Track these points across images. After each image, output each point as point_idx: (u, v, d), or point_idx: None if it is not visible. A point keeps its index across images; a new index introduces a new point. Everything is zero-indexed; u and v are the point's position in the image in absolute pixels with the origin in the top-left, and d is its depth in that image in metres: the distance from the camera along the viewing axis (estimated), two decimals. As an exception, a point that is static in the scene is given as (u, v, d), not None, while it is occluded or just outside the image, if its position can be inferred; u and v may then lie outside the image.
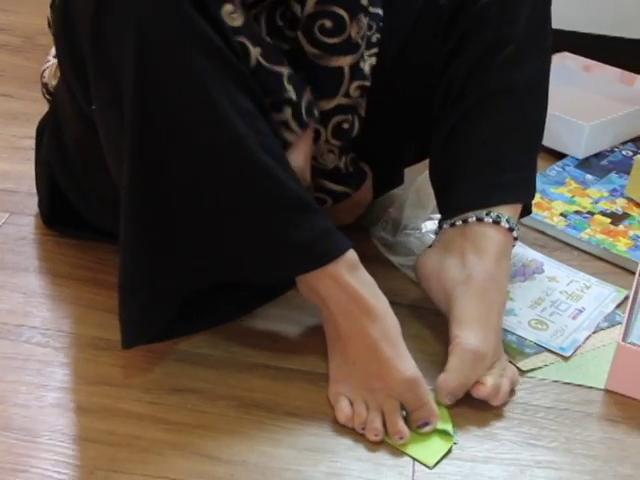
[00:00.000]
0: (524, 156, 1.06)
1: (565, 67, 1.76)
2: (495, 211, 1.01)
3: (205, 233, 0.89)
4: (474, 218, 1.01)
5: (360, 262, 0.93)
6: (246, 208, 0.88)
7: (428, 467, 0.87)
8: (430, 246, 1.07)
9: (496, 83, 1.04)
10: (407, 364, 0.90)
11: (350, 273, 0.91)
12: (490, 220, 1.00)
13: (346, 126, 1.04)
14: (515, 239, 1.03)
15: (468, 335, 0.94)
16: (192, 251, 0.90)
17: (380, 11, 1.06)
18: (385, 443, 0.89)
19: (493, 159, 1.04)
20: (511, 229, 1.01)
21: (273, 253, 0.90)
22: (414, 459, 0.87)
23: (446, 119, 1.08)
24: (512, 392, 0.96)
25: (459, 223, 1.02)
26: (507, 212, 1.02)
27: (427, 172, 1.26)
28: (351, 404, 0.91)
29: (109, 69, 0.84)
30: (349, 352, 0.91)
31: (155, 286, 0.90)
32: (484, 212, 1.01)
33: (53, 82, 1.08)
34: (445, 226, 1.04)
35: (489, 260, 0.99)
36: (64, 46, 0.93)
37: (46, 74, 1.10)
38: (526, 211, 1.12)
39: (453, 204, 1.05)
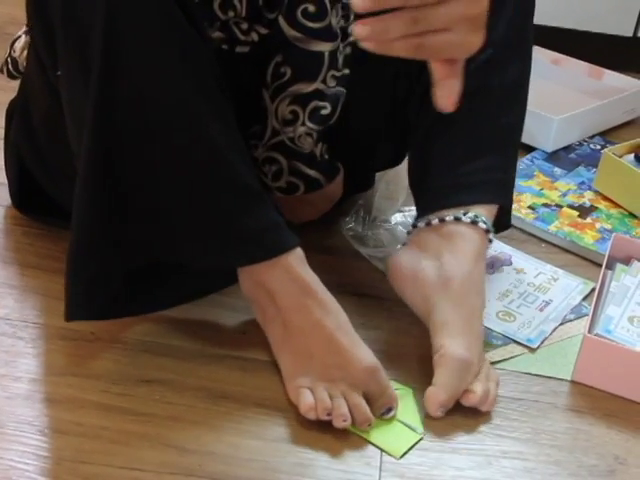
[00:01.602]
0: (497, 158, 1.04)
1: (534, 61, 1.75)
2: (473, 211, 1.00)
3: (155, 211, 0.89)
4: (452, 217, 0.99)
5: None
6: (197, 189, 0.88)
7: (395, 458, 0.87)
8: (403, 244, 1.06)
9: (472, 85, 1.00)
10: (366, 352, 0.90)
11: (299, 267, 0.91)
12: (468, 220, 0.99)
13: (325, 112, 1.04)
14: (490, 241, 1.01)
15: (453, 344, 0.91)
16: (143, 227, 0.90)
17: None
18: (353, 434, 0.89)
19: (465, 159, 1.03)
20: (488, 230, 1.00)
21: (226, 239, 0.90)
22: (382, 450, 0.88)
23: (423, 120, 1.07)
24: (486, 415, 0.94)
25: (435, 222, 1.00)
26: (483, 213, 1.00)
27: (398, 165, 1.27)
28: (312, 394, 0.89)
29: (78, 35, 0.84)
30: (304, 346, 0.91)
31: (103, 260, 0.90)
32: (461, 211, 0.99)
33: (24, 63, 1.08)
34: (420, 225, 1.02)
35: (467, 262, 0.97)
36: (35, 10, 0.92)
37: (17, 48, 1.08)
38: (504, 224, 1.11)
39: (426, 202, 1.04)
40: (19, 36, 1.10)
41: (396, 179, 1.28)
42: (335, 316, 0.91)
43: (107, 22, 0.82)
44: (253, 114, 1.04)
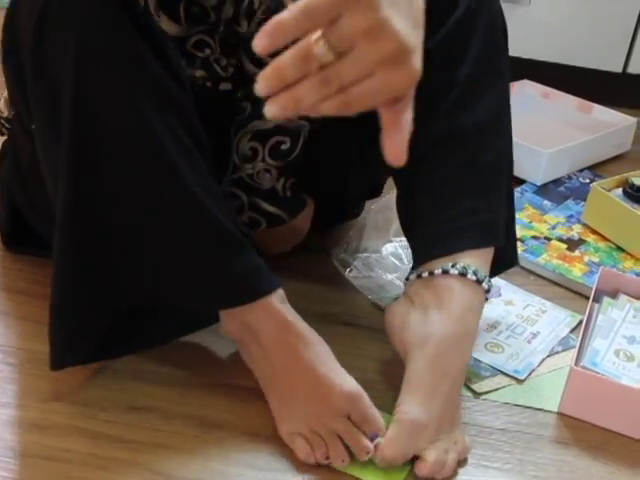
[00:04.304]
0: (479, 200, 0.99)
1: (525, 94, 1.79)
2: (461, 262, 0.95)
3: (138, 261, 0.89)
4: (440, 270, 0.94)
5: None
6: (178, 239, 0.88)
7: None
8: (400, 295, 1.03)
9: (444, 128, 0.98)
10: (346, 379, 0.89)
11: (281, 305, 0.91)
12: (456, 272, 0.94)
13: (284, 147, 1.04)
14: (487, 292, 0.96)
15: (409, 404, 0.88)
16: (124, 277, 0.90)
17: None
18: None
19: (447, 206, 0.98)
20: (479, 281, 0.94)
21: (210, 286, 0.90)
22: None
23: (403, 169, 1.06)
24: (463, 461, 0.92)
25: (425, 275, 0.96)
26: (474, 263, 0.95)
27: (388, 196, 1.28)
28: (307, 440, 0.89)
29: (48, 90, 0.84)
30: (287, 383, 0.90)
31: (84, 308, 0.90)
32: (450, 263, 0.94)
33: (6, 113, 1.08)
34: (412, 277, 0.99)
35: (452, 317, 0.93)
36: (9, 62, 0.92)
37: (2, 107, 1.08)
38: (509, 263, 1.09)
39: (416, 254, 1.02)
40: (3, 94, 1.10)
41: (386, 209, 1.29)
42: (313, 347, 0.90)
43: (77, 74, 0.81)
44: (222, 149, 1.04)
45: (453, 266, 0.94)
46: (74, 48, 0.81)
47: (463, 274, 0.94)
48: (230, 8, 0.97)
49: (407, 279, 1.01)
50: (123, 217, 0.87)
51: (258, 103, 0.99)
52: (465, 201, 0.98)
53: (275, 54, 0.92)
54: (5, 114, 1.08)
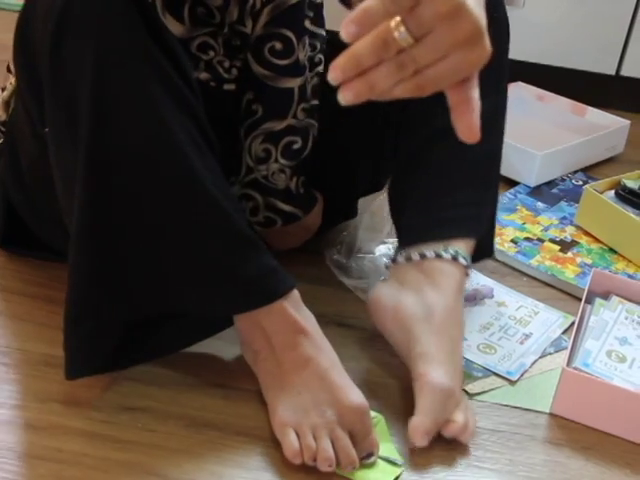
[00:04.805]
0: (471, 192, 1.05)
1: (519, 97, 1.80)
2: (452, 246, 1.00)
3: (156, 266, 0.89)
4: (432, 253, 0.99)
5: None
6: (198, 242, 0.88)
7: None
8: (384, 279, 1.06)
9: (444, 121, 0.99)
10: (357, 393, 0.89)
11: (295, 308, 0.92)
12: (449, 256, 0.99)
13: (296, 147, 1.05)
14: (467, 275, 1.03)
15: (436, 372, 0.91)
16: (141, 283, 0.90)
17: (323, 32, 1.06)
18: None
19: (439, 195, 1.04)
20: (467, 266, 1.01)
21: (224, 288, 0.90)
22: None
23: (399, 157, 1.09)
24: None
25: (416, 257, 1.00)
26: (462, 248, 1.01)
27: (382, 197, 1.29)
28: (298, 436, 0.89)
29: (65, 94, 0.84)
30: (294, 383, 0.90)
31: (101, 316, 0.90)
32: (442, 248, 1.00)
33: (4, 117, 1.08)
34: (400, 260, 1.02)
35: (449, 295, 0.98)
36: (22, 64, 0.92)
37: None
38: (487, 253, 1.13)
39: (405, 237, 1.05)
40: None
41: (380, 210, 1.30)
42: (328, 355, 0.92)
43: (96, 76, 0.82)
44: (232, 150, 1.05)
45: (445, 250, 1.00)
46: (93, 52, 0.81)
47: (455, 258, 0.99)
48: (235, 8, 0.98)
49: (393, 261, 1.04)
50: (141, 220, 0.87)
51: (269, 105, 1.01)
52: (458, 191, 1.04)
53: (282, 48, 0.94)
54: (3, 118, 1.08)
